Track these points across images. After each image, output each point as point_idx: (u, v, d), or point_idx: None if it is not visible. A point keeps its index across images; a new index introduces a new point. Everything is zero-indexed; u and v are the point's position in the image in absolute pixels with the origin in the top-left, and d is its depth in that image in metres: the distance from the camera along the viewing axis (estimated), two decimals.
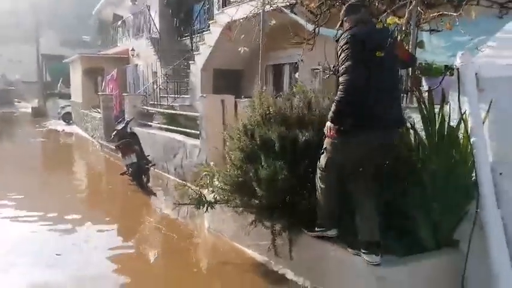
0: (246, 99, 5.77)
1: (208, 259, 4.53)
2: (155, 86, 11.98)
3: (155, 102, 11.24)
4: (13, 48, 36.54)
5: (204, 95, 6.84)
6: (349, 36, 2.87)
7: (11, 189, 7.15)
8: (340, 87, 2.83)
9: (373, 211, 2.94)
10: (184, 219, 5.52)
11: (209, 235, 4.96)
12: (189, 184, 4.75)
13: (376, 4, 4.01)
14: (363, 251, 2.90)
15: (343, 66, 2.82)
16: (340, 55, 2.88)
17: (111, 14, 20.54)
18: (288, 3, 5.34)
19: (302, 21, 4.92)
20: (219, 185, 4.18)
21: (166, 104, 10.99)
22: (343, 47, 2.85)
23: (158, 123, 9.49)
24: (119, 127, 7.81)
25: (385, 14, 4.01)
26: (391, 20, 2.88)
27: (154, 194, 6.90)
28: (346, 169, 3.04)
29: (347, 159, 2.99)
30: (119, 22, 17.50)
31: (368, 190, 2.98)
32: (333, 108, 2.88)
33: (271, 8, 5.51)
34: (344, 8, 3.19)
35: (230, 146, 4.09)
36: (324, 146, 3.09)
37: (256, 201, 3.71)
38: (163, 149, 8.26)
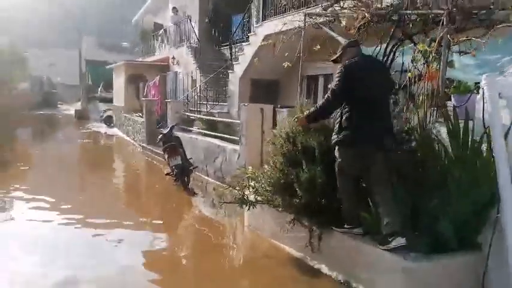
0: (285, 109, 6.21)
1: (250, 254, 4.94)
2: (194, 94, 12.61)
3: (195, 109, 11.85)
4: (55, 52, 38.65)
5: (246, 104, 7.32)
6: (343, 66, 3.65)
7: (69, 186, 7.97)
8: (322, 100, 3.83)
9: (390, 207, 3.42)
10: (223, 218, 5.99)
11: (249, 232, 5.40)
12: (232, 185, 5.24)
13: (410, 25, 4.37)
14: (389, 239, 3.32)
15: (331, 87, 3.72)
16: (334, 78, 3.72)
17: (151, 22, 21.59)
18: (326, 20, 5.74)
19: (340, 39, 5.33)
20: (262, 186, 4.65)
21: (205, 110, 11.58)
22: (337, 73, 3.66)
23: (198, 129, 10.09)
24: (165, 131, 8.42)
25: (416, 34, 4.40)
26: (421, 46, 3.28)
27: (196, 194, 7.42)
28: (350, 172, 3.73)
29: (348, 164, 3.71)
30: (161, 31, 18.36)
31: (381, 189, 3.52)
32: (312, 109, 3.95)
33: (310, 24, 5.92)
34: (342, 44, 3.98)
35: (273, 151, 4.54)
36: (336, 154, 3.80)
37: (297, 201, 4.14)
38: (203, 152, 8.80)
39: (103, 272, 4.17)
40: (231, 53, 12.52)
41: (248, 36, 10.98)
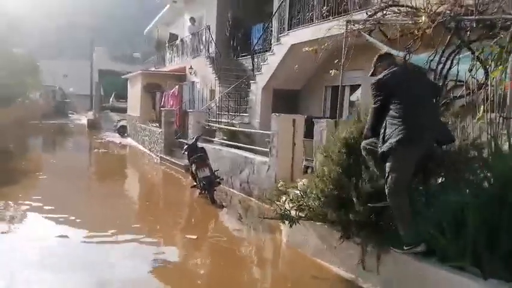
0: (324, 119, 5.97)
1: (293, 272, 4.63)
2: (213, 105, 12.41)
3: (215, 119, 11.63)
4: (67, 62, 38.97)
5: (277, 114, 7.09)
6: (374, 82, 3.71)
7: (93, 197, 7.87)
8: (367, 123, 3.88)
9: None
10: (257, 233, 5.77)
11: (287, 249, 5.10)
12: (271, 200, 5.00)
13: (468, 33, 4.14)
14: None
15: (371, 107, 3.77)
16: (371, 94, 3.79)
17: (167, 32, 21.57)
18: (366, 28, 5.51)
19: (385, 47, 5.10)
20: (308, 200, 4.40)
21: (225, 121, 11.36)
22: (371, 91, 3.74)
23: (220, 140, 9.87)
24: (189, 142, 8.20)
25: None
26: None
27: (224, 207, 7.16)
28: (405, 182, 3.49)
29: (403, 173, 3.47)
30: (177, 41, 18.28)
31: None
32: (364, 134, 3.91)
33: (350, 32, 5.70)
34: (376, 57, 3.98)
35: (324, 161, 4.28)
36: (387, 169, 3.51)
37: (351, 215, 3.85)
38: (228, 164, 8.54)
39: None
40: (252, 63, 12.32)
41: (271, 46, 10.81)
